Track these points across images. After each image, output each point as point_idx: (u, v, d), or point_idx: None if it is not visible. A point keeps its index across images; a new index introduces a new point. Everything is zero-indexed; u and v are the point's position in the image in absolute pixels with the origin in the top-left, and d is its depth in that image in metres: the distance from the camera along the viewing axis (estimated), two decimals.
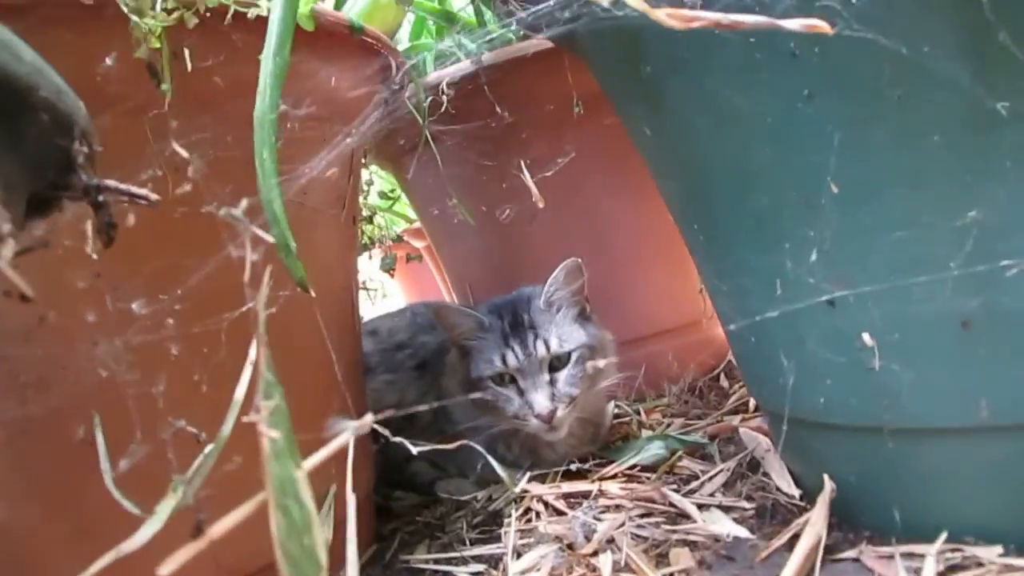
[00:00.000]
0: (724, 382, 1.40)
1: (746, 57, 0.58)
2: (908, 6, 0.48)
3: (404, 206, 2.52)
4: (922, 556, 0.62)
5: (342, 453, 0.47)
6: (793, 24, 0.30)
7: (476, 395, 0.99)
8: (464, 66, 1.25)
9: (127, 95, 0.52)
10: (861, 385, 0.64)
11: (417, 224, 2.45)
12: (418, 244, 2.67)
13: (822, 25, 0.30)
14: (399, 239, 2.09)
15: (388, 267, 1.58)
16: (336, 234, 0.88)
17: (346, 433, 0.28)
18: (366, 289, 2.04)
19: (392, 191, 1.66)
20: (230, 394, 0.33)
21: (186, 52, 0.51)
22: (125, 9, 0.47)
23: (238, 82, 0.56)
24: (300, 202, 0.75)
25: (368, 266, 2.11)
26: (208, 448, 0.31)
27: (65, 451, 0.65)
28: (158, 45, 0.48)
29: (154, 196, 0.30)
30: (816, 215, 0.59)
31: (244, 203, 0.29)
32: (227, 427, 0.31)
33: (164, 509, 0.29)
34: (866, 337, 0.61)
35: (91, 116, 0.31)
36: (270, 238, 0.32)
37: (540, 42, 1.21)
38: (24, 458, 0.65)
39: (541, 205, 0.94)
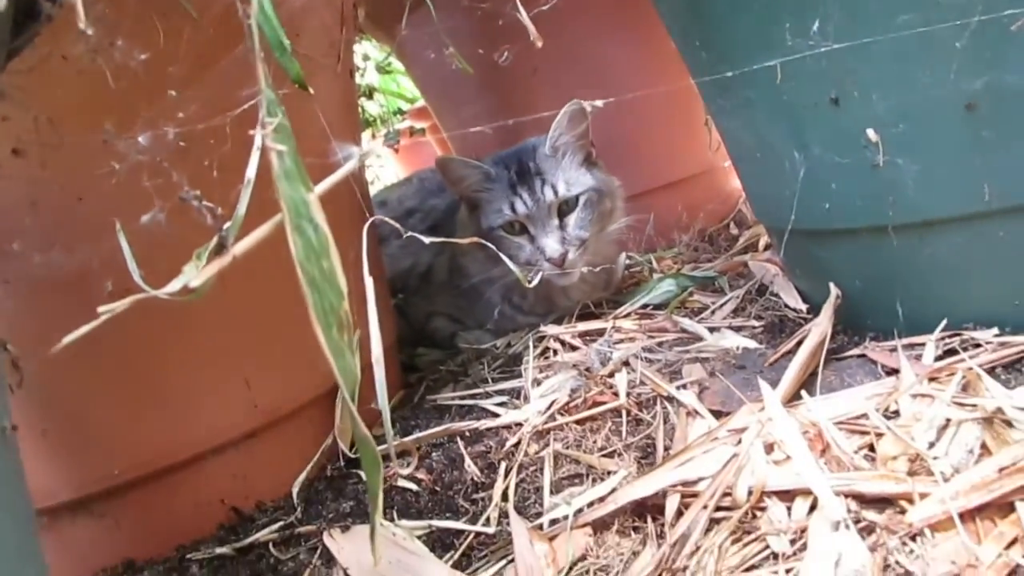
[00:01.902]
0: (734, 229, 1.41)
1: None
2: None
3: (404, 89, 2.49)
4: (923, 345, 0.65)
5: (361, 302, 0.49)
6: None
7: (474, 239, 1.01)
8: None
9: None
10: (866, 184, 0.64)
11: (419, 103, 2.42)
12: (422, 125, 2.64)
13: None
14: (400, 112, 2.07)
15: (392, 140, 1.57)
16: (334, 86, 0.87)
17: (352, 160, 0.29)
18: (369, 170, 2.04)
19: (386, 59, 1.63)
20: (239, 179, 0.34)
21: None
22: None
23: None
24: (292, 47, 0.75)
25: (372, 144, 2.10)
26: (227, 225, 0.32)
27: (96, 305, 0.68)
28: None
29: None
30: (818, 4, 0.58)
31: None
32: (243, 204, 0.32)
33: (189, 269, 0.31)
34: (871, 133, 0.61)
35: None
36: None
37: None
38: (57, 317, 0.68)
39: (540, 44, 0.91)
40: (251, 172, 0.30)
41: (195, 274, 0.30)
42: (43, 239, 0.65)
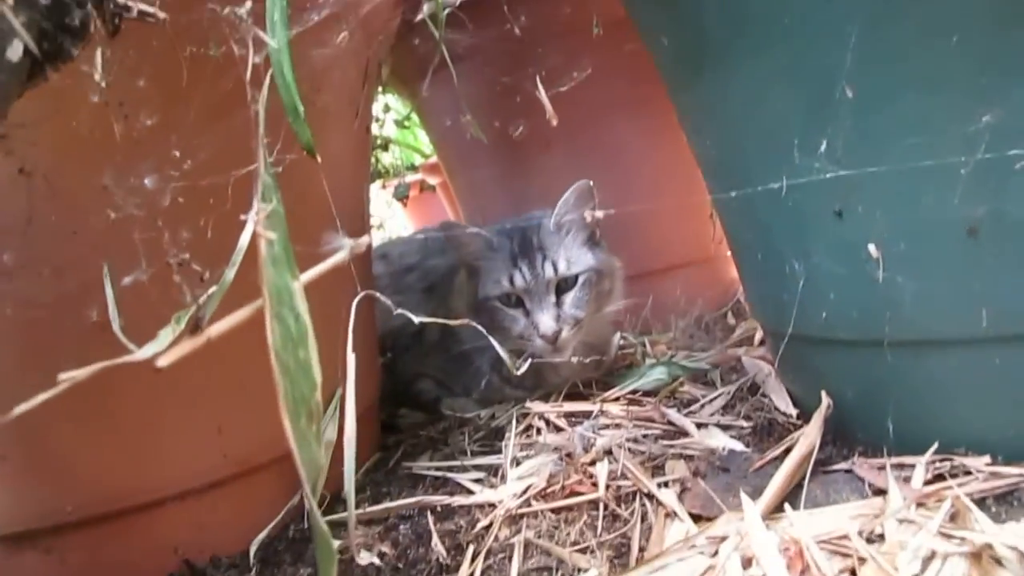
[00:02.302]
0: (731, 319, 1.40)
1: None
2: None
3: (421, 144, 2.52)
4: (912, 466, 0.63)
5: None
6: None
7: (462, 321, 1.00)
8: None
9: None
10: (864, 298, 0.64)
11: (433, 159, 2.45)
12: (433, 181, 2.67)
13: None
14: (413, 167, 2.09)
15: (401, 195, 1.58)
16: (348, 141, 0.88)
17: (343, 251, 0.28)
18: (376, 218, 2.05)
19: (408, 117, 1.65)
20: (234, 242, 0.33)
21: None
22: None
23: None
24: (311, 100, 0.75)
25: (381, 195, 2.11)
26: (212, 289, 0.31)
27: (80, 333, 0.67)
28: None
29: (161, 14, 0.30)
30: (829, 120, 0.58)
31: (248, 4, 0.29)
32: (232, 269, 0.32)
33: (166, 334, 0.30)
34: (872, 248, 0.61)
35: None
36: (270, 40, 0.32)
37: None
38: (40, 341, 0.67)
39: (555, 123, 0.93)
40: (239, 252, 0.29)
41: (168, 339, 0.29)
42: (33, 262, 0.64)
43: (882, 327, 0.64)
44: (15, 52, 0.27)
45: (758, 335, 1.19)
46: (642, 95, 1.30)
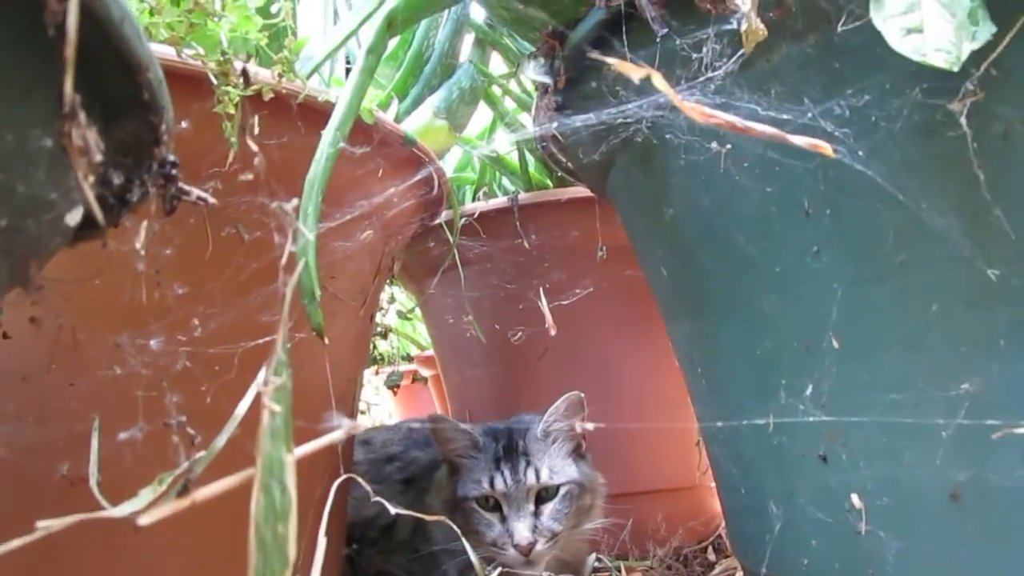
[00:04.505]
0: (711, 555, 1.35)
1: (762, 210, 0.62)
2: (914, 172, 0.53)
3: (418, 334, 2.58)
4: None
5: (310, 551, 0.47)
6: (800, 140, 0.34)
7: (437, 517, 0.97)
8: (500, 201, 1.33)
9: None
10: (847, 549, 0.63)
11: (428, 352, 2.49)
12: (426, 373, 2.69)
13: (825, 146, 0.34)
14: (408, 357, 2.12)
15: (393, 383, 1.60)
16: (352, 326, 0.91)
17: (339, 431, 0.29)
18: (364, 402, 2.05)
19: (411, 310, 1.71)
20: (232, 410, 0.34)
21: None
22: (211, 75, 0.52)
23: (292, 161, 0.61)
24: (325, 286, 0.79)
25: (372, 380, 2.12)
26: (200, 454, 0.32)
27: (43, 486, 0.65)
28: (233, 111, 0.54)
29: (212, 199, 0.33)
30: (816, 366, 0.61)
31: (295, 201, 0.32)
32: (223, 436, 0.32)
33: (147, 493, 0.29)
34: (855, 498, 0.61)
35: None
36: (309, 235, 0.35)
37: (575, 190, 1.29)
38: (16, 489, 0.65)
39: (553, 332, 0.96)
40: (235, 420, 0.30)
41: (149, 499, 0.29)
42: (20, 409, 0.64)
43: None
44: (74, 218, 0.29)
45: (739, 575, 1.14)
46: (639, 317, 1.36)
